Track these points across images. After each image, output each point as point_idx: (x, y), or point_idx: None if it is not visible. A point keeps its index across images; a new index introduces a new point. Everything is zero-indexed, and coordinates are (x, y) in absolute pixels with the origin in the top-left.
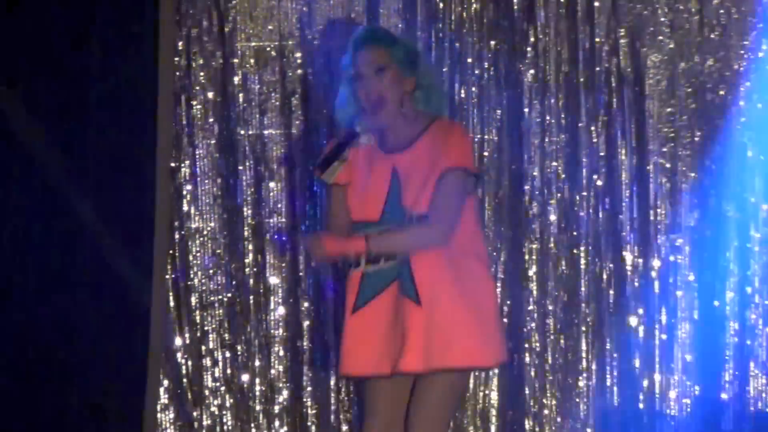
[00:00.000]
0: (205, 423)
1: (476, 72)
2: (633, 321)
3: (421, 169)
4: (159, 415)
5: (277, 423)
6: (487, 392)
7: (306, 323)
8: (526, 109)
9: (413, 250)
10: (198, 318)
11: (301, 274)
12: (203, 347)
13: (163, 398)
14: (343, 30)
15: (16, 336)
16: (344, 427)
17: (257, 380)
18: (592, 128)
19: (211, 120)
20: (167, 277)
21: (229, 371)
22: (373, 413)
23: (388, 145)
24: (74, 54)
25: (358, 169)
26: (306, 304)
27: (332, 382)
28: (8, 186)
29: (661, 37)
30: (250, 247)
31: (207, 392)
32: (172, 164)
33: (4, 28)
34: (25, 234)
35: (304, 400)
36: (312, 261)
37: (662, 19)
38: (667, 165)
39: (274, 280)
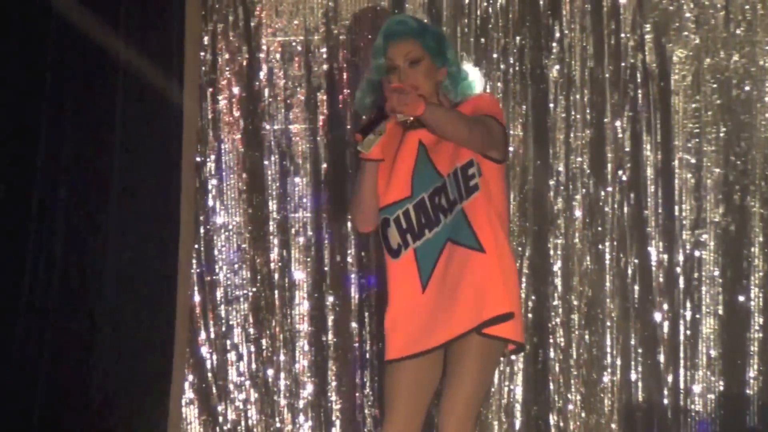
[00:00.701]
0: (230, 417)
1: (501, 67)
2: (657, 316)
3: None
4: (184, 409)
5: (301, 418)
6: (511, 387)
7: (331, 318)
8: (552, 105)
9: (458, 132)
10: (223, 312)
11: (326, 269)
12: (228, 342)
13: (188, 393)
14: (371, 21)
15: (39, 328)
16: (369, 422)
17: (282, 375)
18: (617, 124)
19: (236, 114)
20: (192, 271)
21: (253, 366)
22: (395, 410)
23: (414, 123)
24: (101, 48)
25: (388, 155)
26: (331, 299)
27: (357, 377)
28: (33, 178)
29: (686, 33)
30: (275, 241)
31: (232, 387)
32: (198, 159)
33: (34, 23)
34: (51, 226)
35: (329, 394)
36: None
37: (687, 15)
38: (692, 160)
39: (299, 274)
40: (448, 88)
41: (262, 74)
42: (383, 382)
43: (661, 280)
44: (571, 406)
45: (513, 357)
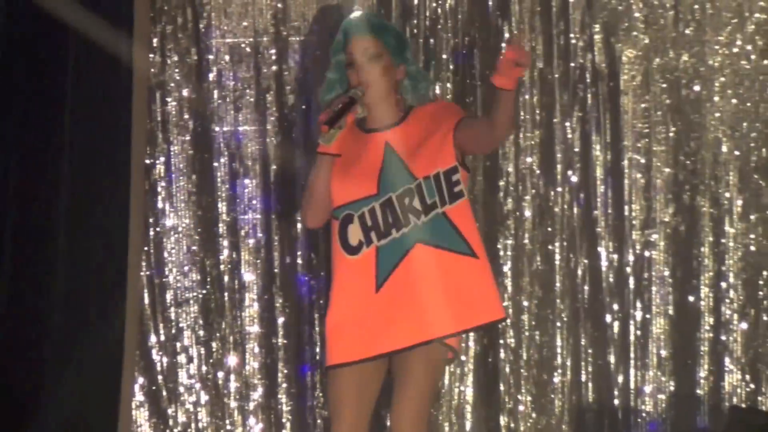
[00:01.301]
0: (180, 420)
1: (451, 68)
2: (607, 317)
3: (423, 134)
4: (134, 412)
5: (252, 420)
6: (462, 388)
7: (281, 320)
8: None
9: (511, 121)
10: (173, 315)
11: (276, 270)
12: (178, 344)
13: (138, 395)
14: (320, 23)
15: None
16: (319, 423)
17: (232, 377)
18: (567, 124)
19: (185, 116)
20: (142, 273)
21: (204, 368)
22: (341, 417)
23: (375, 126)
24: (49, 48)
25: (345, 152)
26: (280, 300)
27: (307, 379)
28: None
29: (635, 33)
30: (225, 243)
31: (182, 389)
32: (147, 161)
33: None
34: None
35: (279, 396)
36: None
37: (636, 15)
38: (642, 160)
39: (248, 276)
40: (407, 87)
41: (212, 76)
42: (326, 386)
43: (611, 280)
44: (521, 407)
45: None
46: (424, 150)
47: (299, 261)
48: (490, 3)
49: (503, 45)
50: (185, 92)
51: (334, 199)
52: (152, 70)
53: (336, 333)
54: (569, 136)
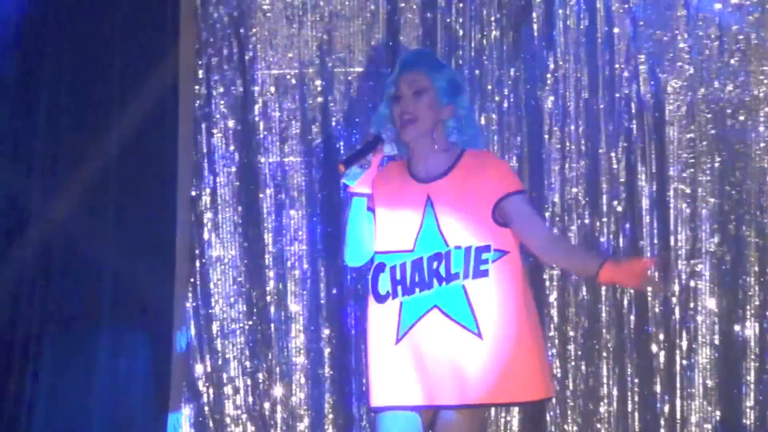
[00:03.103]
0: None
1: (496, 99)
2: (653, 347)
3: (464, 198)
4: None
5: None
6: (508, 419)
7: (327, 350)
8: (546, 136)
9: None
10: (219, 346)
11: (322, 301)
12: (225, 375)
13: (185, 426)
14: (365, 54)
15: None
16: None
17: (278, 408)
18: (612, 154)
19: (231, 148)
20: (188, 305)
21: (250, 399)
22: None
23: (421, 174)
24: (96, 82)
25: (388, 197)
26: (327, 331)
27: (354, 409)
28: (29, 214)
29: (680, 63)
30: (271, 274)
31: (228, 420)
32: (193, 192)
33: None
34: (46, 264)
35: (326, 427)
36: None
37: (681, 45)
38: (687, 190)
39: (294, 307)
40: (451, 128)
41: (257, 107)
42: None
43: (657, 310)
44: None
45: None
46: (462, 217)
47: (345, 292)
48: (536, 34)
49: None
50: (231, 124)
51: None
52: (198, 102)
53: (374, 376)
54: (614, 166)
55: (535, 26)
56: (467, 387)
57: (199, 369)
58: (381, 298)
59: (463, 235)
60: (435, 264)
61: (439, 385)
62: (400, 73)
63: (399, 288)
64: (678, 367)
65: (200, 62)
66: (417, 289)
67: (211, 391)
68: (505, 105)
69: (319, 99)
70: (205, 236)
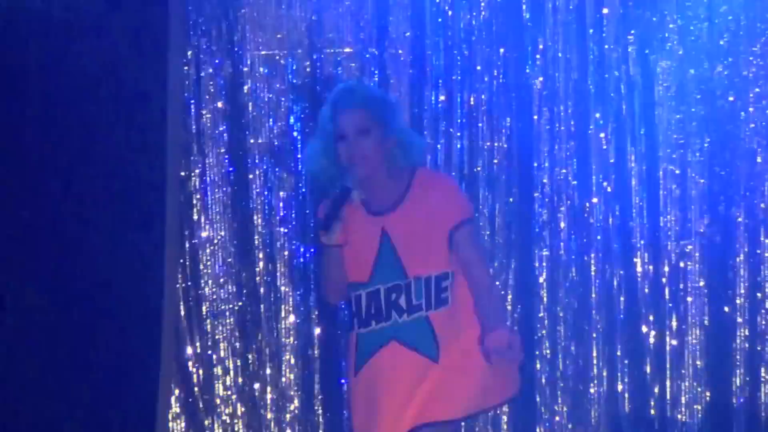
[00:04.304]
0: (216, 431)
1: (485, 79)
2: (643, 327)
3: (418, 229)
4: (170, 423)
5: (288, 431)
6: None
7: (317, 331)
8: (536, 117)
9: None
10: (209, 327)
11: (311, 282)
12: (214, 356)
13: (175, 407)
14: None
15: (27, 345)
16: None
17: (268, 389)
18: (602, 135)
19: (221, 128)
20: (178, 286)
21: (240, 380)
22: None
23: (374, 206)
24: (83, 63)
25: (348, 231)
26: (317, 312)
27: (344, 389)
28: (14, 196)
29: (669, 44)
30: (261, 255)
31: (218, 401)
32: (182, 173)
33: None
34: (35, 243)
35: (316, 408)
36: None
37: (671, 26)
38: (677, 171)
39: (284, 288)
40: (397, 155)
41: (246, 88)
42: None
43: (646, 290)
44: (557, 418)
45: None
46: (420, 247)
47: None
48: (525, 15)
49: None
50: (220, 104)
51: None
52: (187, 82)
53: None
54: (604, 147)
55: (524, 6)
56: (426, 407)
57: (188, 350)
58: (350, 327)
59: (422, 264)
60: (393, 296)
61: (402, 412)
62: (338, 111)
63: (355, 320)
64: (668, 348)
65: (189, 43)
66: (373, 322)
67: (200, 372)
68: (495, 86)
69: (308, 79)
70: (195, 217)
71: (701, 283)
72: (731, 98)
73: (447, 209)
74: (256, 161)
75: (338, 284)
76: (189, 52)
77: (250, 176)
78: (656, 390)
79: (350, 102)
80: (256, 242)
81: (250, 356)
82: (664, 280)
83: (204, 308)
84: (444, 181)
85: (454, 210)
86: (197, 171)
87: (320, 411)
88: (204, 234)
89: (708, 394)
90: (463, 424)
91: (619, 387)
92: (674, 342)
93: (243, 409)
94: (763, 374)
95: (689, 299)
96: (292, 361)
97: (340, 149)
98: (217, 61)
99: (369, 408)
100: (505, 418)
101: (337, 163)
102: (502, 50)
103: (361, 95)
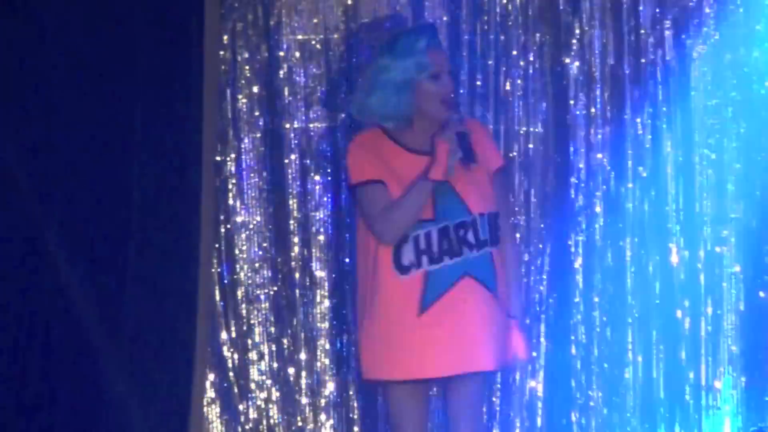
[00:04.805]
0: (251, 416)
1: (521, 64)
2: (679, 313)
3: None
4: (205, 408)
5: (323, 416)
6: (533, 384)
7: (351, 316)
8: (572, 101)
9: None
10: (244, 312)
11: (346, 268)
12: (249, 341)
13: (210, 392)
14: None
15: (59, 326)
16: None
17: (303, 373)
18: (638, 120)
19: (256, 114)
20: (213, 270)
21: (275, 365)
22: (409, 423)
23: (425, 147)
24: (120, 48)
25: (396, 172)
26: (351, 297)
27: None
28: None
29: (706, 29)
30: (296, 240)
31: (253, 386)
32: (218, 158)
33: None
34: (72, 226)
35: (351, 393)
36: None
37: (707, 10)
38: (713, 157)
39: (320, 273)
40: None
41: (282, 73)
42: (387, 395)
43: (682, 276)
44: (592, 403)
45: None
46: (475, 186)
47: None
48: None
49: None
50: (255, 89)
51: None
52: (223, 67)
53: (388, 349)
54: (640, 132)
55: None
56: (496, 350)
57: (223, 335)
58: (403, 270)
59: (481, 202)
60: (462, 232)
61: (475, 350)
62: (431, 49)
63: (424, 257)
64: (703, 333)
65: (225, 27)
66: (446, 258)
67: (235, 356)
68: (531, 70)
69: (344, 64)
70: (230, 202)
71: (737, 269)
72: (767, 83)
73: (488, 153)
74: (292, 146)
75: (415, 221)
76: (225, 37)
77: (286, 161)
78: (691, 376)
79: (439, 42)
80: (291, 227)
81: (285, 341)
82: (699, 265)
83: (239, 293)
84: (480, 125)
85: (494, 154)
86: (233, 156)
87: (355, 396)
88: (239, 219)
89: (743, 379)
90: (498, 406)
91: (654, 373)
92: (709, 328)
93: (278, 394)
94: None
95: (724, 285)
96: (327, 346)
97: (429, 87)
98: (253, 45)
99: (438, 345)
100: (539, 403)
101: (406, 100)
102: (537, 35)
103: (438, 37)
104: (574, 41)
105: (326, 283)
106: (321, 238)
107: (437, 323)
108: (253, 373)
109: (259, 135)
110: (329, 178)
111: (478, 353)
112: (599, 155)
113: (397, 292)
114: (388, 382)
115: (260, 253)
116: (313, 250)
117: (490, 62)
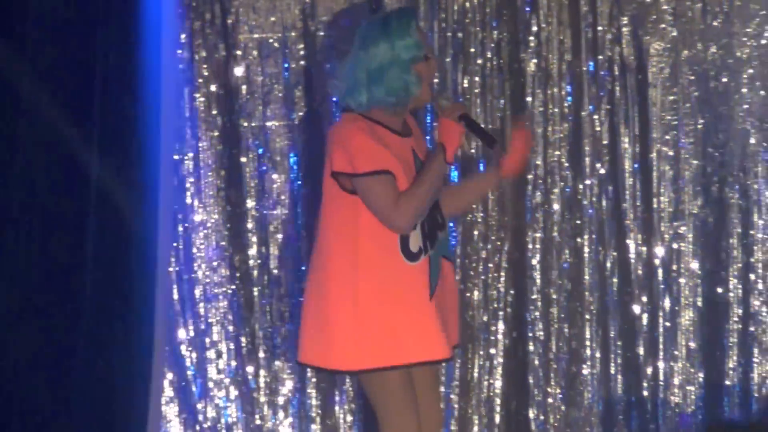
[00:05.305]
0: (209, 415)
1: (479, 62)
2: (636, 309)
3: (424, 147)
4: (163, 407)
5: (281, 414)
6: (491, 381)
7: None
8: (529, 99)
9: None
10: (202, 310)
11: (303, 266)
12: (207, 339)
13: (168, 391)
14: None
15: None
16: (348, 418)
17: (261, 372)
18: (595, 117)
19: (214, 112)
20: (171, 269)
21: (233, 363)
22: (411, 409)
23: (401, 129)
24: (77, 47)
25: (394, 156)
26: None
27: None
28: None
29: (663, 25)
30: (254, 239)
31: (211, 384)
32: (176, 157)
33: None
34: (30, 227)
35: (308, 391)
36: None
37: (665, 7)
38: (670, 153)
39: (277, 272)
40: None
41: (240, 71)
42: (385, 385)
43: (639, 272)
44: (550, 400)
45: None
46: None
47: None
48: None
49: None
50: (213, 88)
51: None
52: (180, 66)
53: (407, 333)
54: (597, 128)
55: None
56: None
57: (182, 334)
58: (413, 256)
59: None
60: (434, 213)
61: (454, 327)
62: (419, 31)
63: (428, 242)
64: (661, 329)
65: (183, 26)
66: (435, 240)
67: (194, 355)
68: (488, 68)
69: (302, 63)
70: (188, 200)
71: (694, 265)
72: (725, 79)
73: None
74: (249, 144)
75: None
76: (182, 36)
77: (243, 159)
78: (649, 371)
79: (418, 24)
80: (249, 225)
81: (243, 339)
82: (656, 261)
83: (197, 292)
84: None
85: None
86: (190, 154)
87: (313, 394)
88: (197, 217)
89: (701, 375)
90: (456, 403)
91: (612, 369)
92: (667, 323)
93: (236, 392)
94: (755, 355)
95: (682, 281)
96: (285, 344)
97: (421, 68)
98: (211, 44)
99: (441, 327)
100: (497, 399)
101: (414, 80)
102: (495, 33)
103: None
104: (532, 38)
105: (284, 282)
106: (279, 236)
107: (440, 305)
108: (212, 372)
109: (216, 133)
110: (287, 176)
111: (455, 329)
112: (557, 152)
113: (409, 279)
114: (395, 368)
115: (218, 251)
116: (271, 249)
117: (447, 60)
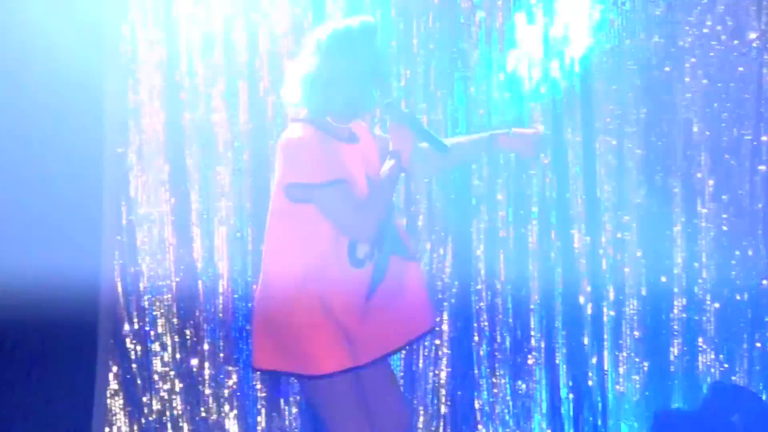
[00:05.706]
0: (155, 408)
1: (420, 52)
2: (581, 298)
3: (374, 157)
4: (109, 400)
5: (226, 407)
6: (437, 372)
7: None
8: (472, 89)
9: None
10: (147, 303)
11: (249, 258)
12: (152, 332)
13: (113, 384)
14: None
15: None
16: (293, 410)
17: (206, 364)
18: (539, 106)
19: (157, 105)
20: (115, 262)
21: (178, 356)
22: (357, 407)
23: (343, 137)
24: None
25: (347, 166)
26: (254, 287)
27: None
28: None
29: (606, 15)
30: (198, 231)
31: (156, 377)
32: (119, 150)
33: None
34: None
35: (253, 383)
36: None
37: None
38: (613, 142)
39: (222, 264)
40: None
41: (183, 65)
42: (321, 394)
43: (584, 261)
44: (496, 390)
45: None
46: (377, 168)
47: None
48: None
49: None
50: (157, 81)
51: None
52: (124, 59)
53: (335, 340)
54: (540, 118)
55: None
56: (431, 308)
57: (126, 326)
58: (358, 263)
59: None
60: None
61: (414, 317)
62: (377, 46)
63: (375, 249)
64: (606, 319)
65: (126, 19)
66: (383, 245)
67: (138, 348)
68: (433, 61)
69: (245, 56)
70: (132, 193)
71: (638, 254)
72: (667, 68)
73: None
74: (193, 137)
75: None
76: (125, 28)
77: (187, 152)
78: (594, 361)
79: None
80: (193, 218)
81: (187, 332)
82: (601, 251)
83: (141, 285)
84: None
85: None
86: (134, 147)
87: (258, 386)
88: (141, 210)
89: (646, 364)
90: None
91: (557, 358)
92: (612, 312)
93: (181, 385)
94: (700, 343)
95: (627, 270)
96: (230, 336)
97: (380, 84)
98: (154, 37)
99: (388, 321)
100: (443, 390)
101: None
102: (438, 24)
103: None
104: (474, 28)
105: (228, 274)
106: (223, 229)
107: (383, 304)
108: (156, 365)
109: (160, 126)
110: (230, 168)
111: (413, 322)
112: None
113: (349, 284)
114: (343, 372)
115: (162, 244)
116: (216, 241)
117: (389, 51)
